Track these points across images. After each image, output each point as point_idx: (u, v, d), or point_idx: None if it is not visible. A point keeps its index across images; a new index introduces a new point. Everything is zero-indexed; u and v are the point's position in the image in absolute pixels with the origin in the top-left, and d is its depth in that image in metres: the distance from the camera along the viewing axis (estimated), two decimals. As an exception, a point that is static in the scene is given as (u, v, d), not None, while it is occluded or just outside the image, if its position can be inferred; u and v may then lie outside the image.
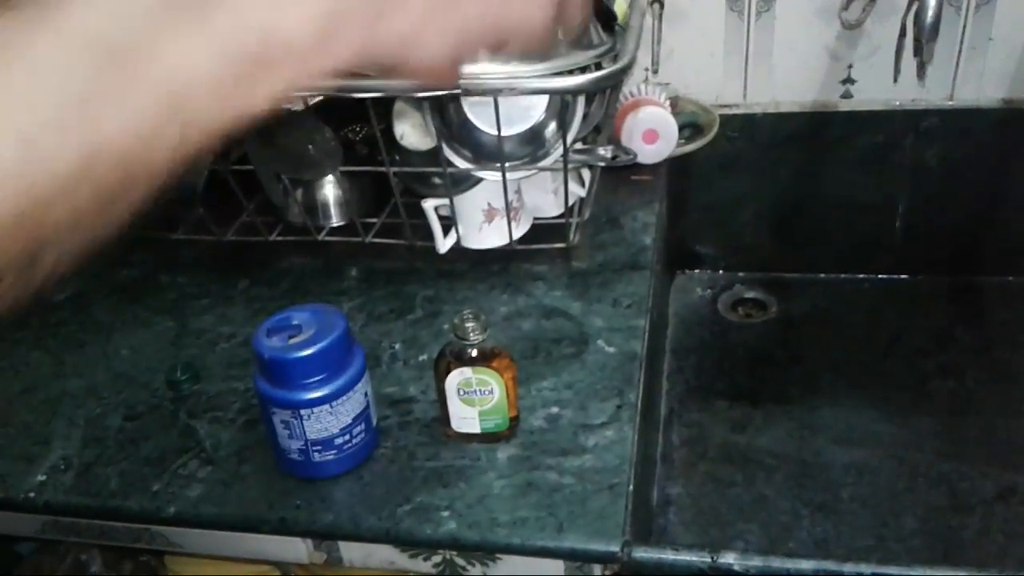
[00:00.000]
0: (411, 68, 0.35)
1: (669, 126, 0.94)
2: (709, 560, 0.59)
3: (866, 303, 1.06)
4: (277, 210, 0.92)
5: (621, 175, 0.97)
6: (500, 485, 0.64)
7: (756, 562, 0.58)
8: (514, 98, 0.74)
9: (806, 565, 0.58)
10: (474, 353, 0.63)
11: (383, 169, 0.81)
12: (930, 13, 0.82)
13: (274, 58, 0.31)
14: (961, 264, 1.05)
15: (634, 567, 0.59)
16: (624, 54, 0.71)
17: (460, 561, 0.65)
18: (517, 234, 0.85)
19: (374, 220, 0.90)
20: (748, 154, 1.04)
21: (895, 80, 0.93)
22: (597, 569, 0.62)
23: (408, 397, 0.72)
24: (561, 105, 0.76)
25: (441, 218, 0.85)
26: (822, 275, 1.09)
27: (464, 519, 0.62)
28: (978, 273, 1.05)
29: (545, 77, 0.69)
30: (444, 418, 0.67)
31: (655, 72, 1.02)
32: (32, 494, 0.67)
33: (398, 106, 0.82)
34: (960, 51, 0.96)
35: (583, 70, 0.71)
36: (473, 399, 0.65)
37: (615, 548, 0.59)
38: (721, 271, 1.13)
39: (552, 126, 0.78)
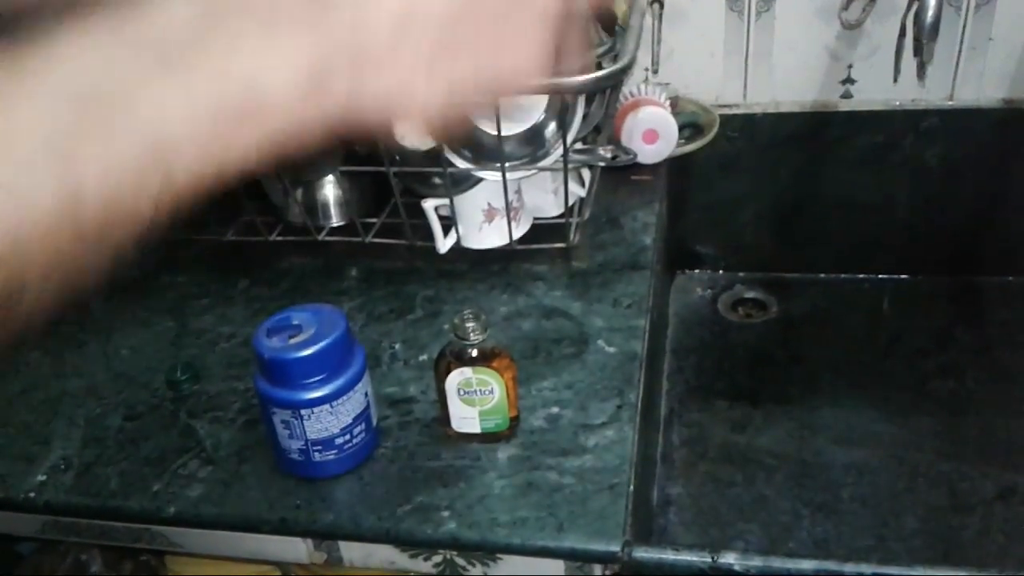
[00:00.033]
0: (401, 120, 0.34)
1: (669, 126, 0.94)
2: (709, 560, 0.59)
3: (866, 303, 1.06)
4: (277, 210, 0.92)
5: (621, 175, 0.97)
6: (500, 485, 0.64)
7: (756, 562, 0.58)
8: (514, 98, 0.74)
9: (806, 565, 0.58)
10: (474, 353, 0.63)
11: (383, 169, 0.81)
12: (930, 13, 0.82)
13: (257, 110, 0.31)
14: (961, 264, 1.05)
15: (634, 567, 0.59)
16: (624, 54, 0.71)
17: (460, 561, 0.65)
18: (517, 234, 0.85)
19: (374, 220, 0.89)
20: (748, 154, 1.04)
21: (895, 80, 0.93)
22: (597, 569, 0.62)
23: (408, 397, 0.72)
24: (561, 105, 0.76)
25: (441, 218, 0.85)
26: (822, 275, 1.09)
27: (464, 519, 0.62)
28: (978, 273, 1.05)
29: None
30: (444, 418, 0.67)
31: (655, 72, 1.02)
32: (32, 494, 0.67)
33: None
34: (960, 51, 0.96)
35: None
36: (473, 399, 0.65)
37: (615, 548, 0.59)
38: (721, 271, 1.13)
39: (552, 126, 0.78)
